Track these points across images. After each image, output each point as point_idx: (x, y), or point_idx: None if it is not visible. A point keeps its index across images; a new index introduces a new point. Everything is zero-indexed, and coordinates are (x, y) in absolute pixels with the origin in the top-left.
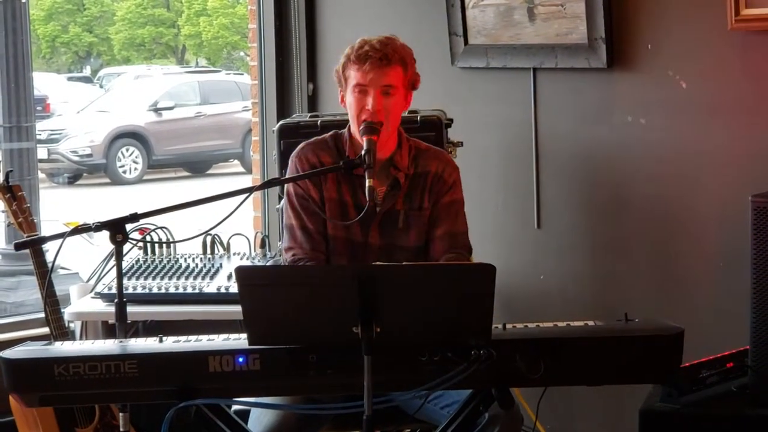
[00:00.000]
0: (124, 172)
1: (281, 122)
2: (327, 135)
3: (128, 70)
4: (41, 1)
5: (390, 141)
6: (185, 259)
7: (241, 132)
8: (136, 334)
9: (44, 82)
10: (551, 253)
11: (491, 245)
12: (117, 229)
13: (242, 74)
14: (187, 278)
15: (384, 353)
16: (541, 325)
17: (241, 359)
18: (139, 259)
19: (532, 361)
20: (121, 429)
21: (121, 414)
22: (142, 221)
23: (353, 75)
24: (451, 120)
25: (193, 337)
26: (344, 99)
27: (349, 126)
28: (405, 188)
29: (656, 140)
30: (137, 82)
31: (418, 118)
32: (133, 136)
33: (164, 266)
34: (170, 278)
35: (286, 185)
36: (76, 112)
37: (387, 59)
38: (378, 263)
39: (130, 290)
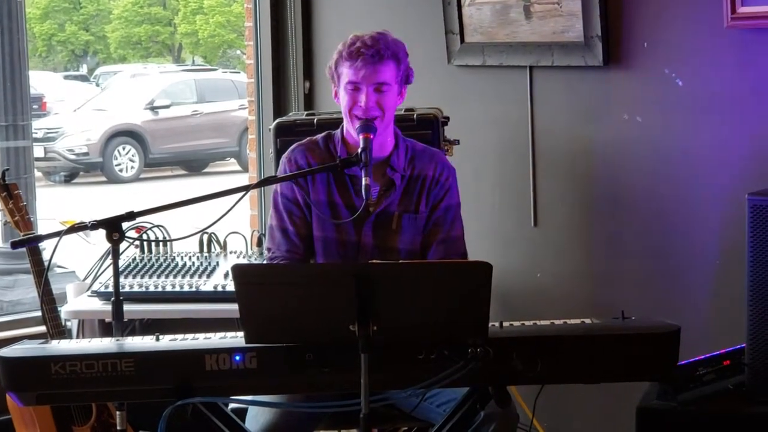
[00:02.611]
0: (121, 170)
1: (278, 120)
2: (319, 136)
3: (124, 69)
4: (37, 0)
5: (387, 140)
6: (182, 257)
7: (238, 130)
8: (132, 333)
9: (40, 81)
10: (548, 251)
11: (488, 243)
12: (113, 227)
13: (239, 72)
14: (183, 276)
15: (381, 351)
16: (537, 323)
17: (237, 357)
18: (135, 257)
19: (528, 359)
20: (118, 427)
21: (117, 412)
22: (138, 220)
23: (345, 72)
24: (448, 118)
25: (189, 336)
26: (338, 95)
27: (342, 125)
28: (401, 190)
29: (652, 138)
30: (133, 80)
31: (415, 116)
32: (129, 134)
33: (161, 265)
34: (167, 276)
35: (274, 185)
36: (73, 110)
37: (379, 55)
38: (375, 261)
39: (127, 288)
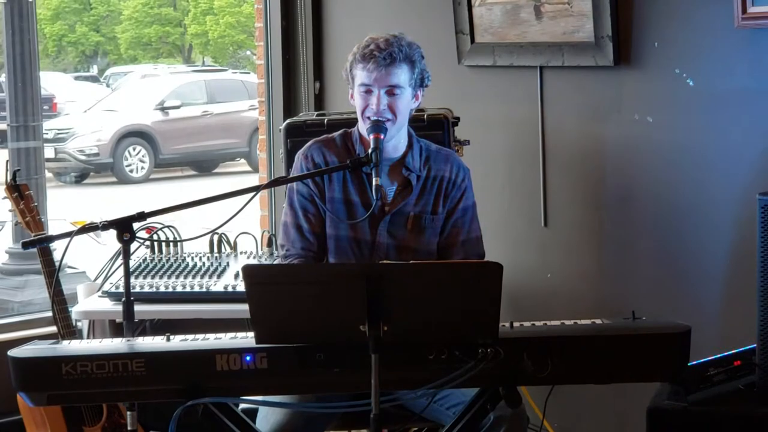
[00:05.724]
0: (131, 171)
1: (288, 121)
2: (336, 133)
3: (135, 69)
4: (48, 1)
5: (400, 141)
6: (192, 257)
7: (248, 131)
8: (143, 333)
9: (51, 82)
10: (558, 251)
11: (498, 243)
12: (124, 227)
13: (249, 73)
14: (194, 277)
15: (391, 352)
16: (548, 323)
17: (248, 358)
18: (146, 257)
19: (539, 360)
20: (129, 428)
21: (128, 412)
22: (149, 220)
23: (359, 74)
24: (458, 118)
25: (200, 336)
26: (353, 96)
27: (358, 125)
28: (418, 190)
29: (663, 138)
30: (144, 81)
31: (425, 116)
32: (140, 135)
33: (171, 265)
34: (177, 277)
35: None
36: (83, 111)
37: (391, 58)
38: (385, 262)
39: (138, 289)
